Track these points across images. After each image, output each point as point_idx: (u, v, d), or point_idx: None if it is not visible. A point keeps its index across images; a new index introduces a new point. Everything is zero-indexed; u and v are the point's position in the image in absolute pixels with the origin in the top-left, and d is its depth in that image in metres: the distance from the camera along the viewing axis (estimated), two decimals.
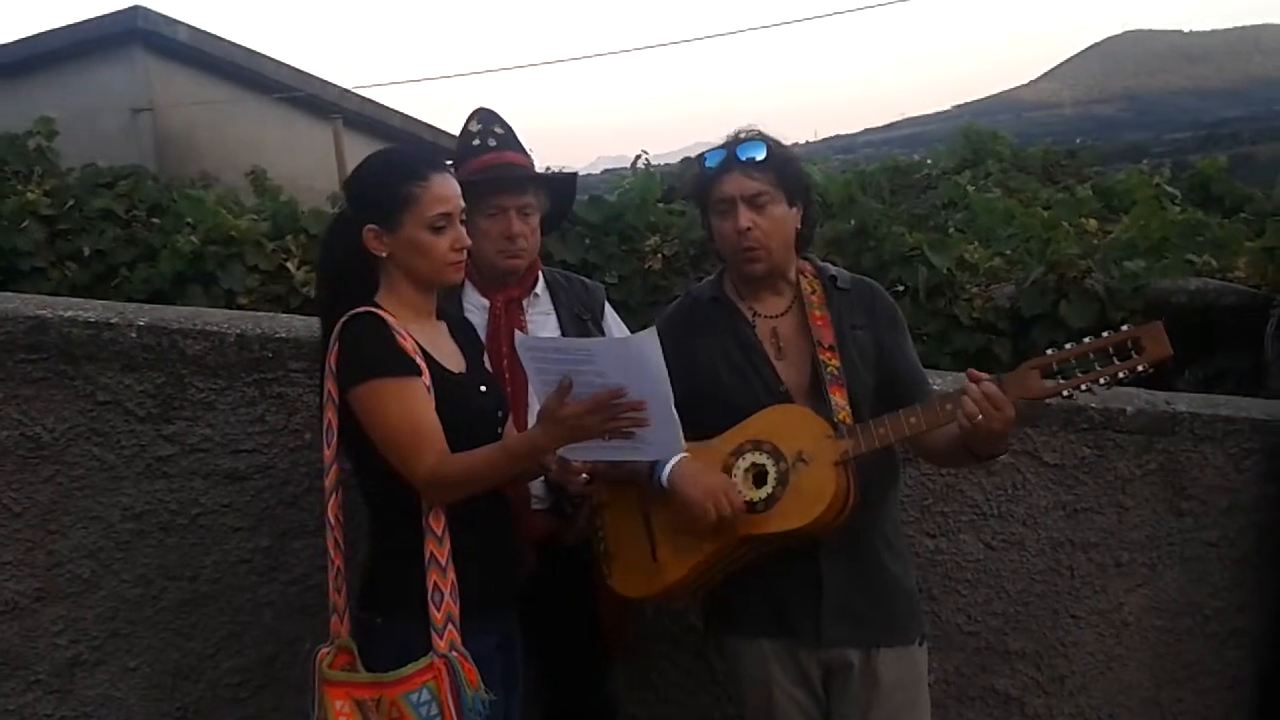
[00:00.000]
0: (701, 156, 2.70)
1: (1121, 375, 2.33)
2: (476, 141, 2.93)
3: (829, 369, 2.59)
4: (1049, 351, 2.40)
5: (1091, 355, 2.34)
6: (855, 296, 2.73)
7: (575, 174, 3.16)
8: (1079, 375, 2.35)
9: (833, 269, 2.79)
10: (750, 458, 2.55)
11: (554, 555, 2.77)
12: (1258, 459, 3.59)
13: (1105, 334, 2.35)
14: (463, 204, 2.41)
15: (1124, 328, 2.36)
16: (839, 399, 2.56)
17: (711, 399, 2.59)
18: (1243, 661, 3.68)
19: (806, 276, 2.72)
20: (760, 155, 2.59)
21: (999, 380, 2.40)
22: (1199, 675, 3.65)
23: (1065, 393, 2.37)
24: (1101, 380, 2.34)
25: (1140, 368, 2.32)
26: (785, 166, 2.62)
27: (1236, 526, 3.61)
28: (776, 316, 2.70)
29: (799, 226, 2.68)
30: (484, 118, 2.97)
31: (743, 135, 2.65)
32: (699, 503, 2.47)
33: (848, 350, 2.64)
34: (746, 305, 2.71)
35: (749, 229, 2.57)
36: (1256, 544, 3.62)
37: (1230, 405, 3.68)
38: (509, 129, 2.96)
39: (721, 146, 2.66)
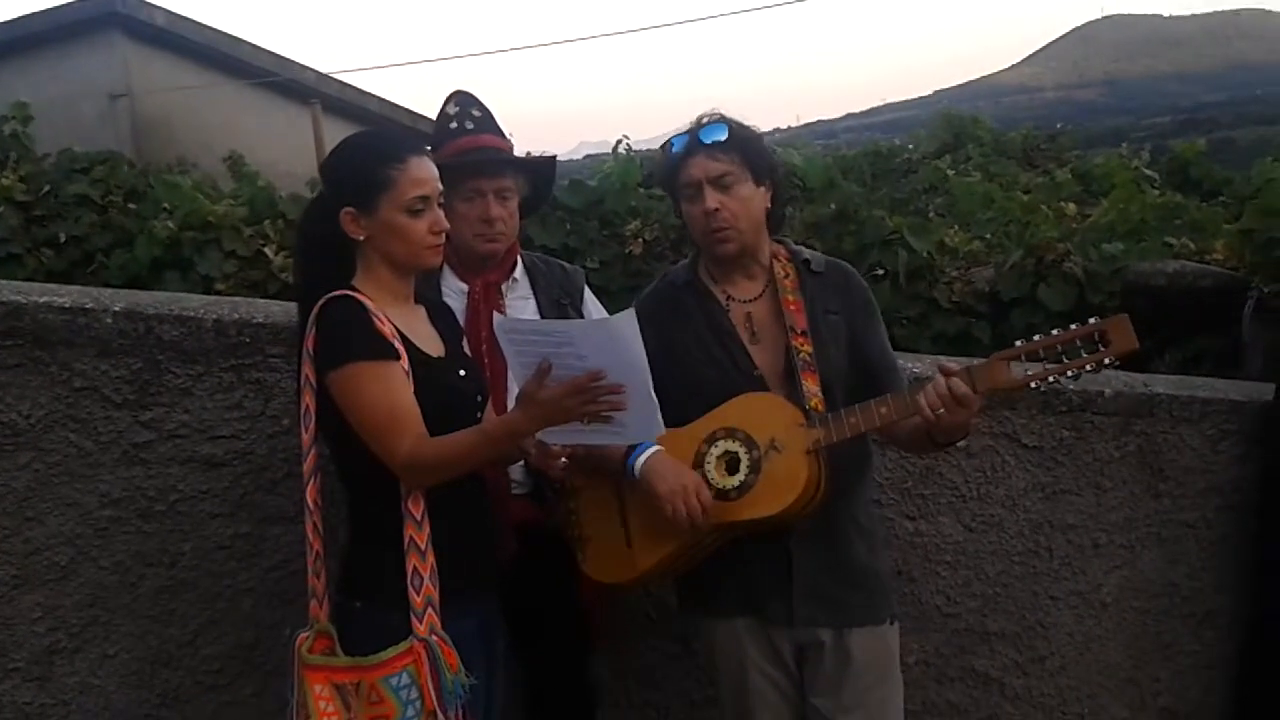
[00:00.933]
0: (668, 143, 2.72)
1: (1088, 368, 2.36)
2: (454, 124, 2.91)
3: (801, 355, 2.60)
4: (1017, 343, 2.43)
5: (1059, 347, 2.38)
6: (829, 280, 2.74)
7: (554, 157, 3.15)
8: (1046, 367, 2.39)
9: (806, 252, 2.79)
10: (723, 445, 2.56)
11: (534, 540, 2.77)
12: (1235, 440, 3.61)
13: (1073, 326, 2.38)
14: (440, 187, 2.39)
15: (1091, 320, 2.38)
16: (811, 386, 2.58)
17: (686, 384, 2.60)
18: (1219, 641, 3.70)
19: (780, 260, 2.73)
20: (722, 136, 2.61)
21: (968, 370, 2.42)
22: (1176, 655, 3.67)
23: (1033, 384, 2.41)
24: (1069, 373, 2.37)
25: (1106, 361, 2.35)
26: (748, 146, 2.63)
27: (1213, 507, 3.63)
28: (750, 300, 2.71)
29: (768, 206, 2.69)
30: (461, 100, 2.95)
31: (705, 119, 2.67)
32: (667, 499, 2.50)
33: (820, 335, 2.65)
34: (720, 289, 2.73)
35: (716, 209, 2.59)
36: (1233, 525, 3.64)
37: (1207, 387, 3.70)
38: (487, 111, 2.94)
39: (685, 132, 2.68)
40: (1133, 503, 3.56)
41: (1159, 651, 3.65)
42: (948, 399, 2.38)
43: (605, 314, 3.01)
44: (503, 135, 2.94)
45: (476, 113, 2.92)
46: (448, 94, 2.98)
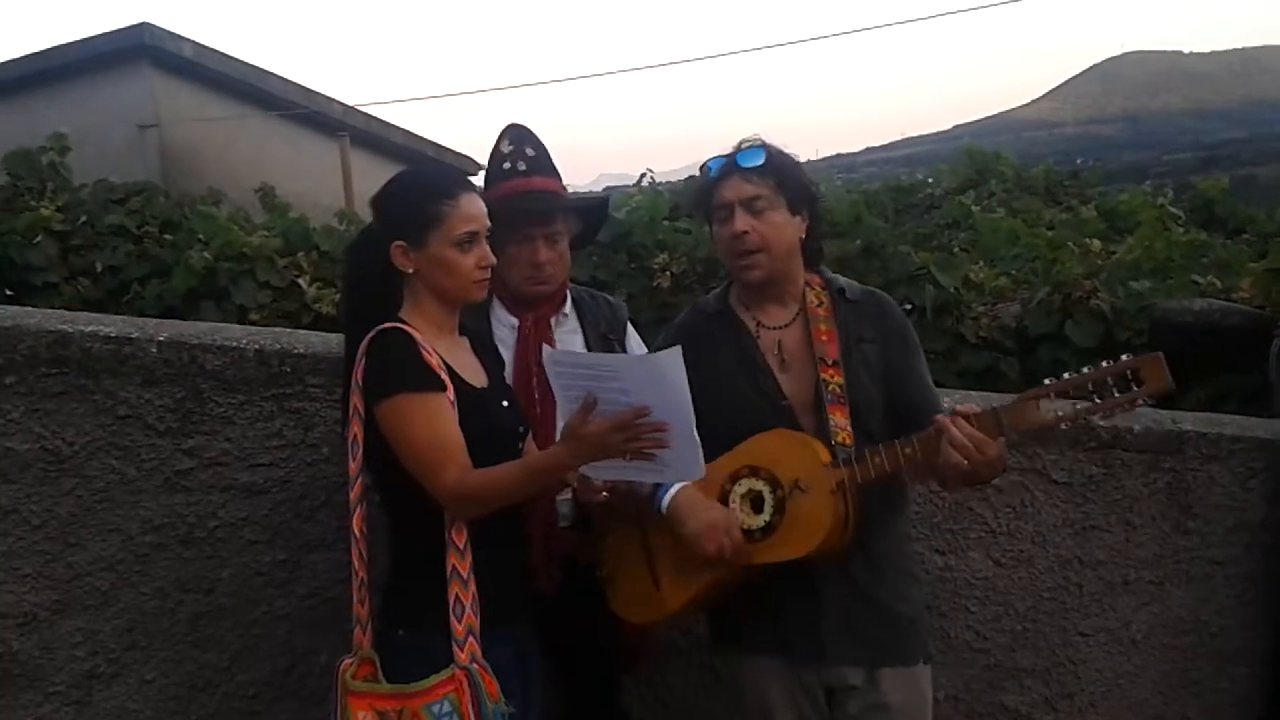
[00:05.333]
0: (706, 165, 2.72)
1: (1120, 408, 2.32)
2: (507, 165, 2.91)
3: (830, 387, 2.57)
4: (1047, 381, 2.39)
5: (1090, 386, 2.33)
6: (864, 308, 2.71)
7: (606, 199, 3.17)
8: (1077, 407, 2.35)
9: (842, 280, 2.76)
10: (747, 484, 2.54)
11: (579, 571, 2.79)
12: (1263, 478, 3.61)
13: (1105, 363, 2.34)
14: (488, 223, 2.44)
15: (1124, 357, 2.34)
16: (839, 419, 2.55)
17: (714, 412, 2.56)
18: (1248, 679, 3.69)
19: (814, 288, 2.70)
20: (759, 161, 2.60)
21: (995, 411, 2.40)
22: (1205, 693, 3.67)
23: (1063, 425, 2.38)
24: (1100, 414, 2.35)
25: (1139, 401, 2.31)
26: (786, 173, 2.63)
27: (1242, 545, 3.63)
28: (780, 328, 2.68)
29: (803, 236, 2.68)
30: (515, 137, 2.95)
31: (744, 143, 2.66)
32: (699, 537, 2.49)
33: (853, 365, 2.62)
34: (750, 316, 2.71)
35: (745, 233, 2.58)
36: (1262, 562, 3.64)
37: (1236, 425, 3.71)
38: (541, 149, 2.94)
39: (723, 155, 2.68)
40: (1162, 540, 3.57)
41: (1188, 689, 3.65)
42: (972, 451, 2.35)
43: (645, 349, 3.03)
44: (555, 174, 2.95)
45: (530, 151, 2.92)
46: (503, 128, 2.98)
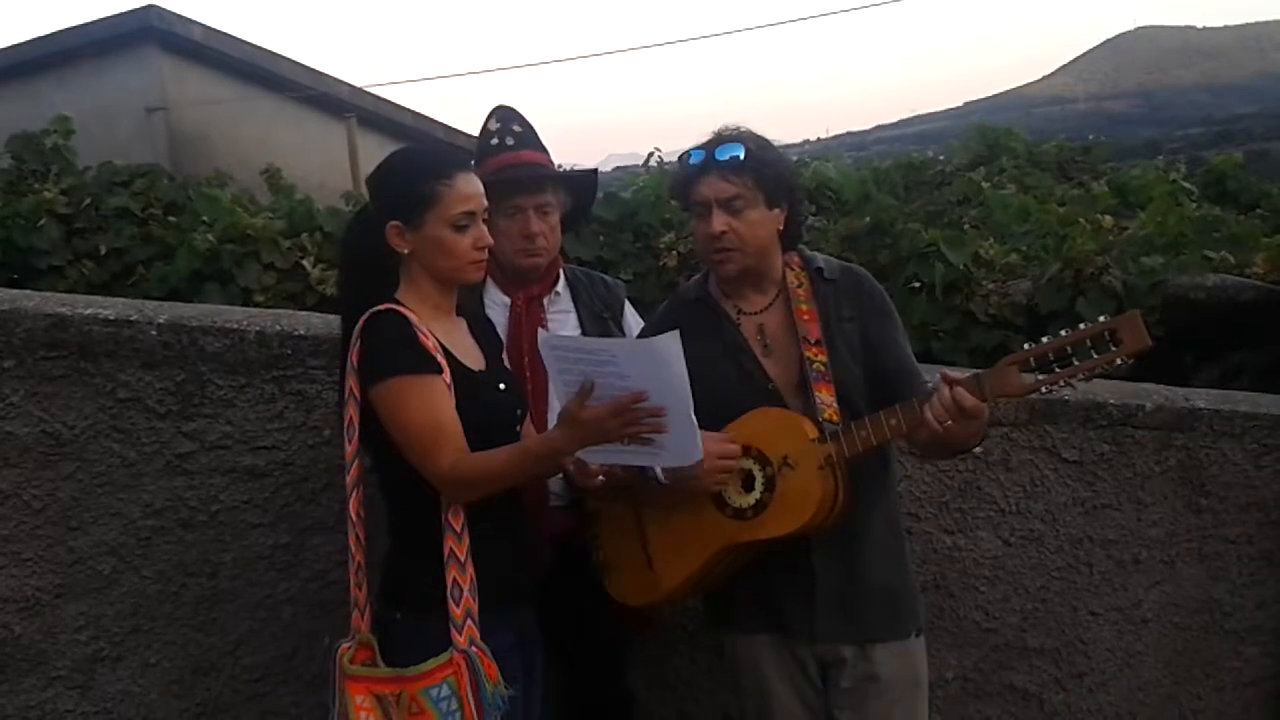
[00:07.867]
0: (686, 154, 2.66)
1: (1099, 370, 2.30)
2: (495, 140, 2.93)
3: (814, 365, 2.57)
4: (1026, 346, 2.37)
5: (1070, 349, 2.30)
6: (842, 286, 2.69)
7: (595, 171, 3.16)
8: (1058, 371, 2.31)
9: (820, 259, 2.74)
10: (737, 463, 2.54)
11: (571, 552, 2.78)
12: (1277, 455, 3.58)
13: (1082, 325, 2.32)
14: (485, 203, 2.41)
15: (1101, 318, 2.32)
16: (825, 396, 2.55)
17: (701, 399, 2.51)
18: (1261, 658, 3.67)
19: (793, 269, 2.69)
20: (739, 155, 2.55)
21: (976, 378, 2.38)
22: (1217, 672, 3.64)
23: (1043, 390, 2.35)
24: (1080, 375, 2.31)
25: (1118, 361, 2.28)
26: (764, 168, 2.57)
27: (1255, 523, 3.60)
28: (760, 312, 2.68)
29: (781, 227, 2.65)
30: (503, 116, 2.97)
31: (725, 135, 2.61)
32: (706, 478, 2.47)
33: (836, 343, 2.62)
34: (731, 303, 2.70)
35: (722, 233, 2.55)
36: (1275, 541, 3.61)
37: (1249, 401, 3.67)
38: (528, 126, 2.96)
39: (703, 146, 2.62)
40: (1173, 518, 3.54)
41: (1200, 668, 3.63)
42: (954, 410, 2.33)
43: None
44: (543, 150, 2.96)
45: (517, 128, 2.94)
46: (490, 109, 3.00)
